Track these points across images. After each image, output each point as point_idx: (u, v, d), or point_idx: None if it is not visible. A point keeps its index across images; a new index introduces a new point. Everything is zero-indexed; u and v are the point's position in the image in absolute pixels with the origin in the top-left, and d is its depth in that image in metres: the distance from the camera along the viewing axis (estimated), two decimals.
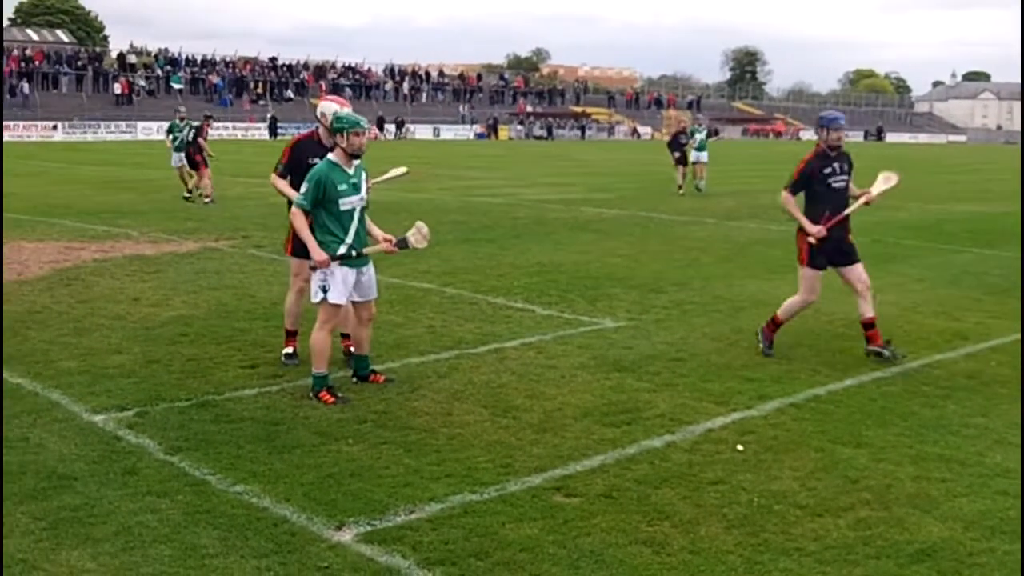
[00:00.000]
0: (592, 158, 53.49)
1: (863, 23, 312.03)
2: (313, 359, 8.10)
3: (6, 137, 60.68)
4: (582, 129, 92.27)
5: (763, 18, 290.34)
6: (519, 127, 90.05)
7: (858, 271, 9.72)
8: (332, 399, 7.94)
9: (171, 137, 25.71)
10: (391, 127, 79.99)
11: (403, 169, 10.24)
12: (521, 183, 32.62)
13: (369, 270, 8.30)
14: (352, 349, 8.81)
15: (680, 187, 29.48)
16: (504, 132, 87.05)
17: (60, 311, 11.03)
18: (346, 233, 8.05)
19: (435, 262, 14.96)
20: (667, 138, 34.95)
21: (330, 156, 8.10)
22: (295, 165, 8.77)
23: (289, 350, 9.20)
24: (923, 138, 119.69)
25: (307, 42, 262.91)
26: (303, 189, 7.97)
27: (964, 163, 55.95)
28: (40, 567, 5.07)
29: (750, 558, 5.38)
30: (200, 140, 24.91)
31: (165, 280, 13.11)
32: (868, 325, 9.70)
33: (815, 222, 9.49)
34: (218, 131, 71.31)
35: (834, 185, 9.65)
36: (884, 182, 10.08)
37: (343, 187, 7.97)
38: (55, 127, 65.88)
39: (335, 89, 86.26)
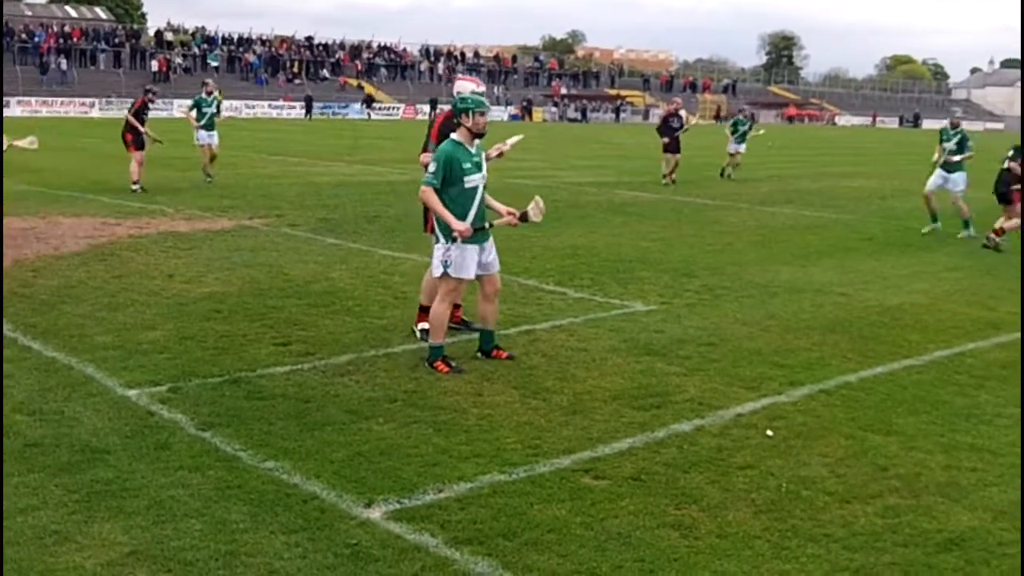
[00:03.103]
0: (627, 141, 53.31)
1: (906, 9, 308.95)
2: (431, 330, 8.42)
3: (44, 113, 61.37)
4: (617, 112, 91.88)
5: (802, 2, 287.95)
6: (553, 109, 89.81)
7: None
8: (447, 368, 8.23)
9: (197, 113, 23.03)
10: (425, 107, 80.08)
11: (519, 136, 10.28)
12: (556, 166, 32.57)
13: (490, 244, 8.55)
14: (464, 320, 9.31)
15: (665, 177, 26.75)
16: (538, 114, 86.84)
17: (95, 286, 11.12)
18: (469, 210, 8.29)
19: None
20: (657, 120, 33.37)
21: (453, 136, 8.34)
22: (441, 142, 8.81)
23: (424, 325, 9.21)
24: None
25: (346, 22, 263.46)
26: (431, 168, 8.22)
27: (1000, 151, 55.42)
28: (73, 539, 5.13)
29: (778, 543, 5.38)
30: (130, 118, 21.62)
31: (199, 257, 13.19)
32: None
33: None
34: (253, 110, 71.78)
35: None
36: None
37: (467, 166, 8.25)
38: (93, 104, 66.25)
39: (370, 69, 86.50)
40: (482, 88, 8.90)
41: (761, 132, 33.79)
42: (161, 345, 8.82)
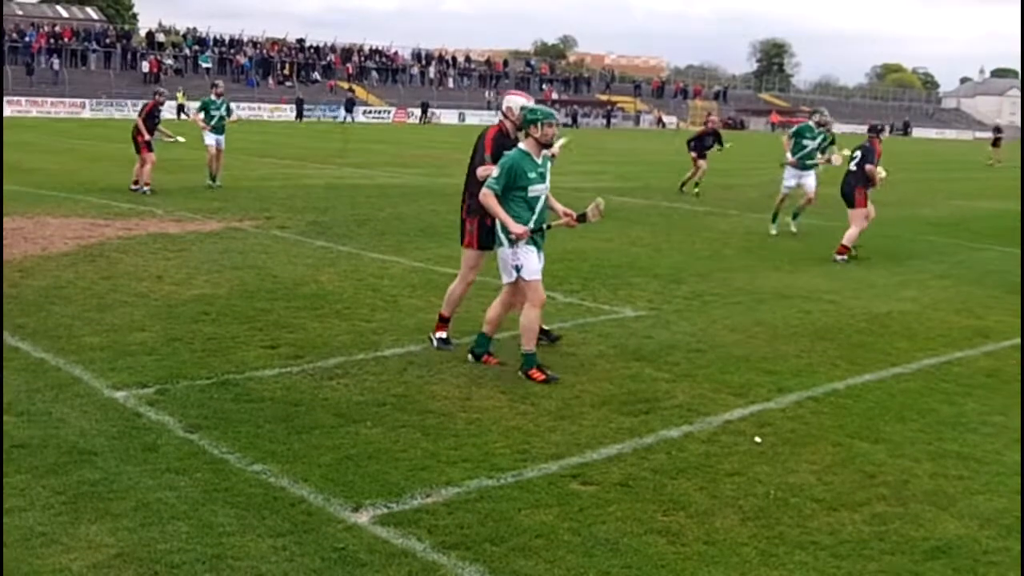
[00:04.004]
0: (617, 147, 53.37)
1: (896, 17, 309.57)
2: (524, 338, 8.40)
3: (34, 113, 61.23)
4: (608, 117, 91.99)
5: (793, 9, 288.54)
6: None
7: None
8: (543, 376, 8.23)
9: (205, 116, 22.74)
10: (416, 111, 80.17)
11: (565, 139, 10.38)
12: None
13: (541, 254, 8.60)
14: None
15: (684, 184, 26.22)
16: None
17: (84, 287, 11.09)
18: (530, 218, 8.39)
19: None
20: (693, 131, 32.38)
21: (521, 145, 8.45)
22: (497, 155, 8.81)
23: (443, 335, 9.26)
24: (950, 134, 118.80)
25: (336, 24, 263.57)
26: (495, 174, 8.31)
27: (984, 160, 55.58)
28: (59, 540, 5.11)
29: (765, 550, 5.38)
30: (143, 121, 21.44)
31: (188, 259, 13.17)
32: None
33: None
34: (244, 111, 71.63)
35: None
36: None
37: (532, 175, 8.35)
38: (83, 104, 66.12)
39: (361, 72, 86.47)
40: (532, 101, 8.99)
41: (845, 152, 26.86)
42: (149, 347, 8.80)
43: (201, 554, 5.04)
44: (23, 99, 62.66)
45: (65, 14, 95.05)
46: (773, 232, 18.28)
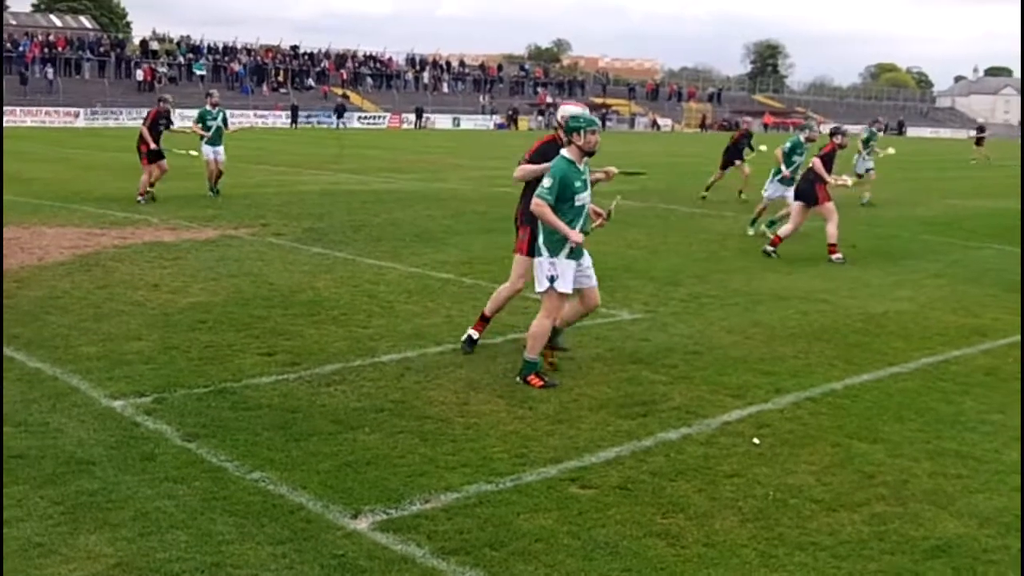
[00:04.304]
0: (612, 150, 53.36)
1: (890, 17, 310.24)
2: (529, 344, 8.41)
3: (28, 122, 61.18)
4: (602, 120, 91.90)
5: (787, 11, 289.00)
6: (539, 117, 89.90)
7: None
8: (541, 383, 8.23)
9: (203, 125, 22.20)
10: (411, 116, 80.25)
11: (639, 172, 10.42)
12: None
13: (586, 260, 8.62)
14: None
15: (707, 191, 25.35)
16: (524, 123, 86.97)
17: (80, 296, 11.08)
18: (575, 227, 8.32)
19: (454, 252, 14.99)
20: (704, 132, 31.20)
21: (565, 154, 8.38)
22: (539, 159, 8.88)
23: (474, 334, 9.31)
24: (944, 133, 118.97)
25: (331, 30, 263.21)
26: (546, 184, 8.24)
27: (993, 159, 55.68)
28: (58, 551, 5.11)
29: (765, 551, 5.38)
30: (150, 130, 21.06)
31: (184, 267, 13.15)
32: None
33: None
34: (238, 119, 71.64)
35: None
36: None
37: (578, 184, 8.33)
38: (77, 113, 66.12)
39: (356, 78, 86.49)
40: (584, 109, 8.96)
41: (891, 151, 27.32)
42: (146, 355, 8.79)
43: (200, 563, 5.03)
44: (17, 109, 62.55)
45: (59, 23, 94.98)
46: (751, 232, 18.29)
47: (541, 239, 8.38)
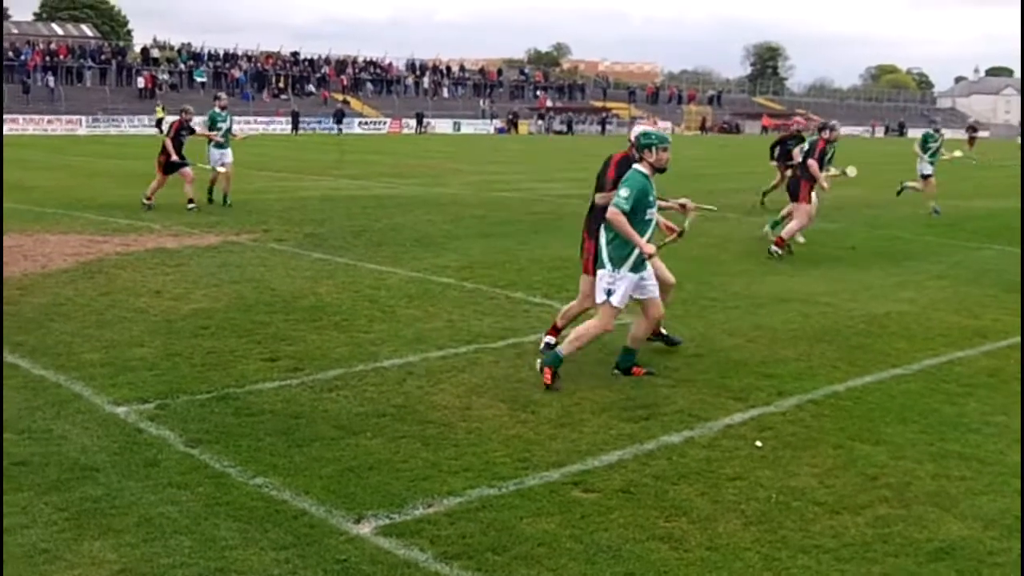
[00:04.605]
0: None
1: (890, 19, 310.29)
2: (568, 341, 8.58)
3: (30, 131, 61.25)
4: (602, 124, 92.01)
5: (787, 13, 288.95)
6: (539, 122, 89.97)
7: None
8: (550, 380, 8.30)
9: (212, 127, 21.84)
10: (411, 121, 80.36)
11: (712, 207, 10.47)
12: (541, 178, 32.59)
13: (648, 272, 8.67)
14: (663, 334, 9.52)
15: (766, 195, 23.97)
16: (524, 127, 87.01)
17: (83, 303, 11.09)
18: (646, 239, 8.44)
19: (454, 256, 14.99)
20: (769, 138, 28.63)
21: (640, 168, 8.52)
22: (619, 178, 8.84)
23: (550, 339, 9.47)
24: (946, 133, 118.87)
25: (331, 36, 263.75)
26: (624, 194, 8.33)
27: (987, 159, 55.68)
28: (62, 557, 5.11)
29: (768, 555, 5.38)
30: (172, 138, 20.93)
31: (187, 273, 13.16)
32: None
33: None
34: (240, 125, 71.74)
35: None
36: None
37: (650, 198, 8.47)
38: (79, 121, 66.19)
39: (356, 83, 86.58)
40: (658, 127, 9.12)
41: (956, 154, 26.01)
42: (149, 362, 8.80)
43: (204, 568, 5.04)
44: (19, 117, 62.62)
45: (60, 31, 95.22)
46: (766, 231, 18.21)
47: (605, 252, 8.45)
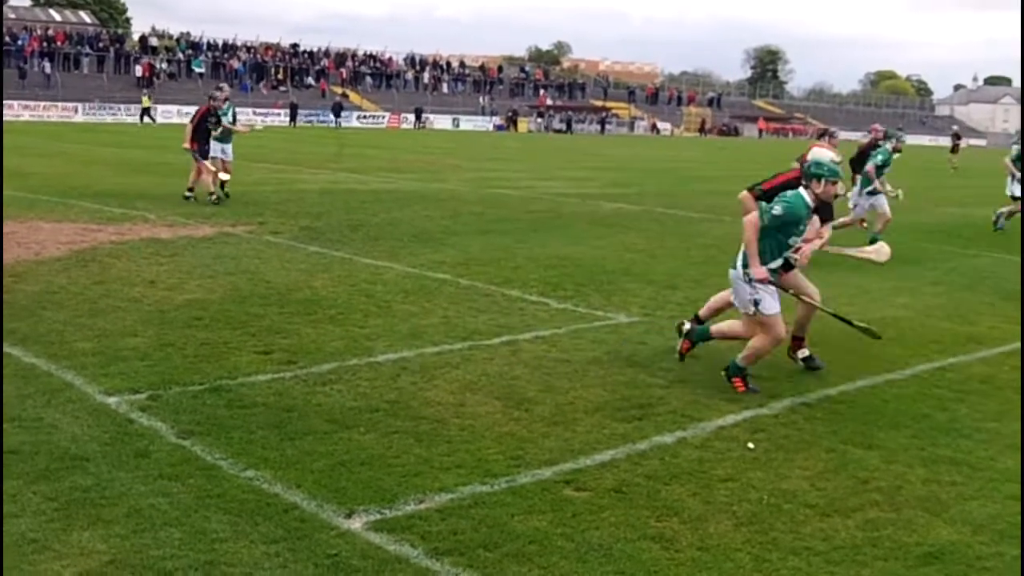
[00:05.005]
0: (611, 153, 53.41)
1: (891, 23, 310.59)
2: (747, 353, 8.40)
3: (27, 116, 61.14)
4: (602, 123, 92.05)
5: (788, 15, 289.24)
6: (538, 120, 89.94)
7: None
8: (744, 387, 8.26)
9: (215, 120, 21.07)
10: (410, 116, 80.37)
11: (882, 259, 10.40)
12: (540, 176, 32.59)
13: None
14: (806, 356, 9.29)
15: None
16: (523, 124, 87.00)
17: (76, 292, 11.07)
18: (773, 262, 8.34)
19: (451, 253, 14.98)
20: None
21: (805, 195, 8.29)
22: (772, 196, 8.65)
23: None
24: (943, 141, 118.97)
25: (331, 31, 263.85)
26: (776, 211, 8.14)
27: (984, 167, 55.72)
28: (51, 547, 5.10)
29: (758, 556, 5.38)
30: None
31: (181, 264, 13.14)
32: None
33: None
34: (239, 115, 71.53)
35: None
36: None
37: (802, 227, 8.33)
38: (76, 108, 66.09)
39: (355, 77, 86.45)
40: (839, 159, 8.84)
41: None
42: (142, 352, 8.78)
43: (194, 560, 5.03)
44: (15, 103, 62.45)
45: (58, 18, 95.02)
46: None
47: (741, 261, 8.33)
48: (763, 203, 8.38)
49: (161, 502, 5.69)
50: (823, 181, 8.25)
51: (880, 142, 19.36)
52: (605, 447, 6.93)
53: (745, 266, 8.29)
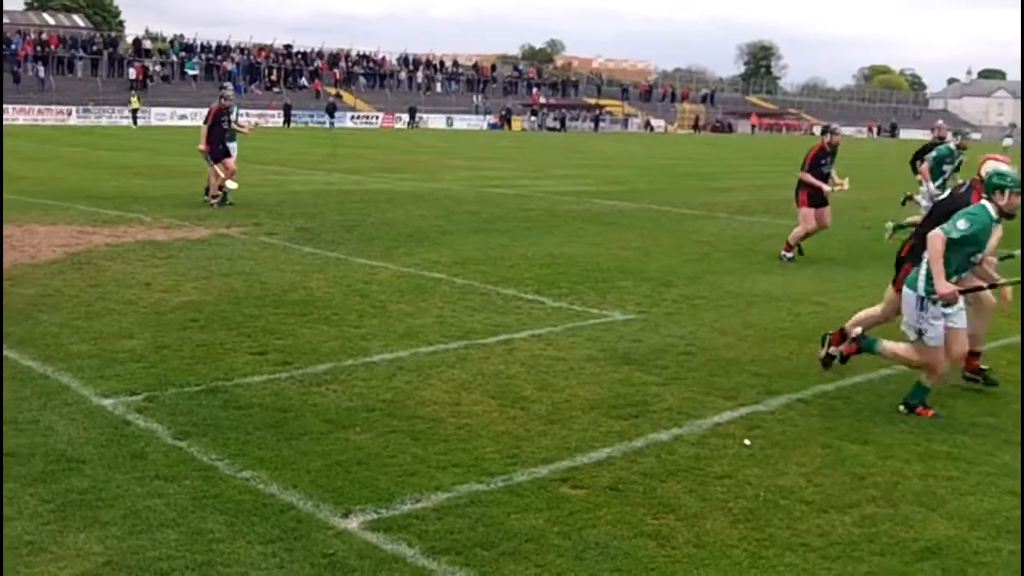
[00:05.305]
0: (605, 150, 53.40)
1: (884, 20, 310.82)
2: (928, 373, 7.97)
3: (21, 120, 61.03)
4: (596, 121, 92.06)
5: (781, 13, 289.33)
6: (532, 118, 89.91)
7: None
8: (931, 412, 7.88)
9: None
10: (404, 116, 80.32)
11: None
12: (534, 175, 32.59)
13: (957, 308, 7.93)
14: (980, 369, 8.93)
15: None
16: (517, 123, 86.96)
17: (72, 295, 11.06)
18: (953, 276, 7.87)
19: (446, 252, 14.98)
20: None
21: (989, 207, 7.91)
22: (952, 208, 8.23)
23: (832, 350, 8.98)
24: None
25: (324, 30, 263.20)
26: (961, 226, 7.70)
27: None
28: (47, 549, 5.09)
29: (755, 552, 5.39)
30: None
31: (176, 266, 13.13)
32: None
33: None
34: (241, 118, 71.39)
35: None
36: None
37: (984, 240, 7.92)
38: (70, 111, 66.01)
39: (349, 77, 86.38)
40: (1015, 170, 8.30)
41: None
42: (138, 354, 8.78)
43: (191, 561, 5.03)
44: (10, 107, 62.21)
45: (52, 21, 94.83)
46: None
47: (921, 281, 7.84)
48: (945, 223, 7.86)
49: (158, 503, 5.69)
50: (1007, 192, 7.82)
51: (945, 141, 19.08)
52: (601, 445, 6.94)
53: (928, 286, 7.76)
